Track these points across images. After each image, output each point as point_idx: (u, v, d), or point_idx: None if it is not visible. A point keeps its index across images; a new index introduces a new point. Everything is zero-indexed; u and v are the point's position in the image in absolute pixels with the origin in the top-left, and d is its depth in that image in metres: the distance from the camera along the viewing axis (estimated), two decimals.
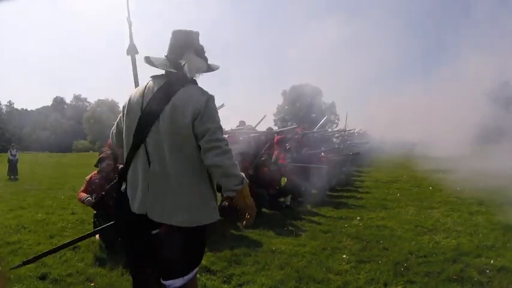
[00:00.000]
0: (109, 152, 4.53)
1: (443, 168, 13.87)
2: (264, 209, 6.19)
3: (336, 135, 13.18)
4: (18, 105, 69.66)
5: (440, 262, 3.74)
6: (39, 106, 70.43)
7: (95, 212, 4.47)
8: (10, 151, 14.60)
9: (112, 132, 2.27)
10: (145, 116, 1.92)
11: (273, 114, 63.02)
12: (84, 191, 4.40)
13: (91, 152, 42.02)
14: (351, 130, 13.53)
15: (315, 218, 5.75)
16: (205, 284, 3.33)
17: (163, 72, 2.04)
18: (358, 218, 5.78)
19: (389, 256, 3.94)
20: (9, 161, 14.05)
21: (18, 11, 75.60)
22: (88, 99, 67.81)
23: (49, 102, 71.63)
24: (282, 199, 6.75)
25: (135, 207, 1.95)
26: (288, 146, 7.45)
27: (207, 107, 1.90)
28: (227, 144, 1.92)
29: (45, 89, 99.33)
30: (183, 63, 1.93)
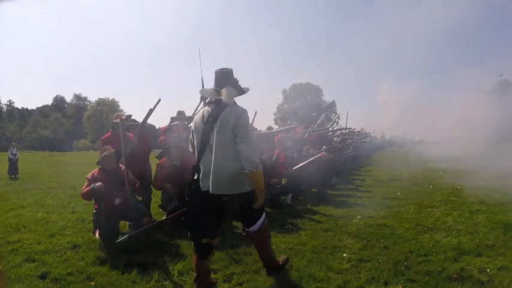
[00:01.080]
0: (112, 150, 4.53)
1: (443, 167, 13.89)
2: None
3: (337, 133, 13.17)
4: (18, 104, 69.66)
5: (441, 261, 3.73)
6: (39, 105, 70.38)
7: (95, 211, 4.47)
8: (10, 150, 14.60)
9: (190, 144, 3.33)
10: (207, 126, 2.99)
11: (273, 113, 62.93)
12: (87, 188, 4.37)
13: (91, 151, 42.06)
14: (351, 129, 13.49)
15: (316, 217, 5.75)
16: None
17: (213, 99, 3.10)
18: (358, 216, 5.77)
19: (389, 255, 3.93)
20: (10, 160, 14.05)
21: (18, 10, 75.56)
22: (88, 98, 67.79)
23: (49, 101, 71.66)
24: (282, 198, 6.75)
25: (206, 186, 2.94)
26: (288, 144, 7.45)
27: (240, 118, 2.95)
28: (251, 139, 2.94)
29: (45, 88, 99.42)
30: (222, 92, 2.99)
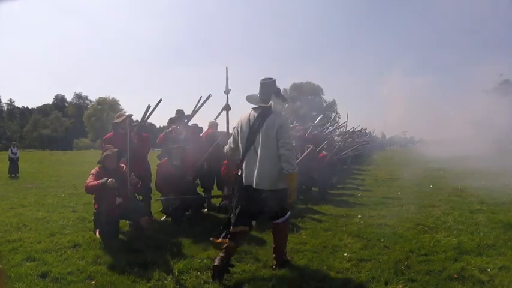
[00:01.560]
0: (114, 149, 4.52)
1: (444, 166, 13.89)
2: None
3: (337, 132, 13.16)
4: (19, 103, 69.68)
5: (441, 261, 3.72)
6: (40, 104, 70.39)
7: (95, 210, 4.47)
8: (11, 149, 14.61)
9: (229, 142, 3.77)
10: (253, 130, 3.38)
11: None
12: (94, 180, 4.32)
13: (92, 149, 42.07)
14: (354, 128, 13.47)
15: (316, 216, 5.74)
16: (206, 281, 3.33)
17: (257, 105, 3.50)
18: (359, 216, 5.77)
19: (390, 254, 3.93)
20: (10, 159, 14.07)
21: (19, 10, 75.52)
22: (89, 97, 67.78)
23: (50, 100, 71.67)
24: None
25: (249, 181, 3.38)
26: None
27: (283, 125, 3.37)
28: (291, 145, 3.44)
29: (46, 87, 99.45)
30: (270, 103, 3.40)
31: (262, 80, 3.54)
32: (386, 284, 3.26)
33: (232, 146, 3.73)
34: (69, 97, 70.77)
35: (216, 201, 6.49)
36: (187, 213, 5.39)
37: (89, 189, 4.32)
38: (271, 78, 3.50)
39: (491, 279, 3.29)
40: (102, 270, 3.56)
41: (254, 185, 3.34)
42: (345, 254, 3.98)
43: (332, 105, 63.35)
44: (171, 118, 6.31)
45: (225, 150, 3.99)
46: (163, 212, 5.54)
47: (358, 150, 15.63)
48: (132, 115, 5.53)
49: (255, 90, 3.58)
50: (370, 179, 11.14)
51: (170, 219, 5.36)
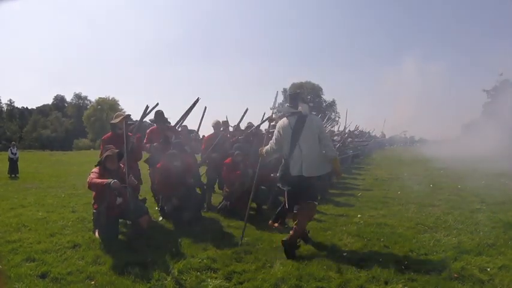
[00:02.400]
0: (115, 150, 4.52)
1: (444, 165, 13.89)
2: (264, 207, 6.18)
3: (336, 132, 13.15)
4: (18, 104, 69.62)
5: (441, 260, 3.72)
6: (39, 104, 70.35)
7: (94, 210, 4.46)
8: (11, 149, 14.58)
9: (272, 144, 4.42)
10: (296, 131, 4.13)
11: (273, 113, 62.75)
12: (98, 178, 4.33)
13: (92, 150, 42.06)
14: (346, 127, 13.45)
15: (316, 216, 5.68)
16: (206, 281, 3.33)
17: (288, 113, 4.33)
18: (358, 215, 5.77)
19: (390, 254, 3.93)
20: (10, 159, 14.05)
21: (19, 10, 75.55)
22: (88, 98, 67.72)
23: (49, 101, 71.60)
24: (282, 198, 6.72)
25: (297, 172, 4.10)
26: None
27: (321, 124, 4.55)
28: (329, 137, 4.54)
29: (45, 87, 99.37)
30: (300, 108, 4.23)
31: (290, 93, 4.82)
32: (386, 283, 3.26)
33: (275, 147, 4.39)
34: (68, 97, 70.65)
35: (215, 202, 6.49)
36: (187, 213, 5.38)
37: (93, 186, 4.32)
38: (297, 91, 4.93)
39: (491, 279, 3.29)
40: (102, 270, 3.56)
41: (305, 174, 4.07)
42: (345, 254, 3.98)
43: (332, 105, 63.30)
44: (151, 119, 6.44)
45: (264, 151, 4.56)
46: (161, 213, 5.53)
47: (357, 150, 15.64)
48: (130, 115, 5.54)
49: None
50: (370, 179, 11.13)
51: (168, 219, 5.35)
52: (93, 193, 4.53)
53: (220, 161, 6.31)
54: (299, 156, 4.11)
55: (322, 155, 4.18)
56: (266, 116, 6.81)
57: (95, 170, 4.47)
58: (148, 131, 6.24)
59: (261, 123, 7.05)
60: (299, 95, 4.47)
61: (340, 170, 4.60)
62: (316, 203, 4.31)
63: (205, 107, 6.88)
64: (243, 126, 7.67)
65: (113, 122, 5.34)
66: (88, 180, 4.36)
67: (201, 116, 6.99)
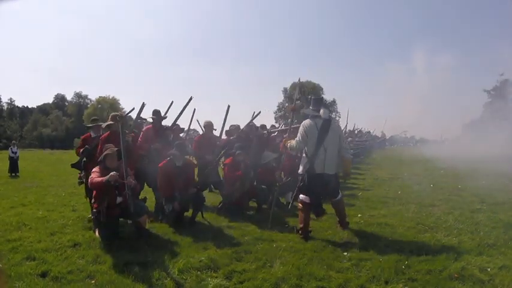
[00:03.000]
0: (114, 148, 4.51)
1: (445, 166, 13.87)
2: (264, 206, 6.18)
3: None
4: (19, 103, 69.61)
5: (442, 260, 3.72)
6: (40, 103, 70.34)
7: (94, 210, 4.45)
8: (11, 148, 14.59)
9: (299, 141, 4.72)
10: (322, 133, 4.59)
11: (274, 112, 62.92)
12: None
13: None
14: (355, 130, 13.49)
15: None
16: (206, 280, 3.33)
17: (309, 115, 4.78)
18: (359, 215, 5.77)
19: (390, 254, 3.93)
20: (10, 158, 14.06)
21: (19, 9, 75.53)
22: (89, 96, 67.70)
23: (50, 100, 71.62)
24: (282, 198, 6.72)
25: (320, 170, 4.60)
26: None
27: (341, 129, 5.26)
28: (345, 142, 5.34)
29: (46, 86, 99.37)
30: (321, 112, 4.66)
31: (314, 97, 5.07)
32: (386, 283, 3.26)
33: (300, 144, 4.73)
34: (69, 96, 70.66)
35: (215, 202, 6.49)
36: (187, 212, 5.38)
37: (94, 185, 4.31)
38: (321, 96, 5.50)
39: (491, 279, 3.29)
40: (102, 269, 3.56)
41: (327, 171, 4.61)
42: (345, 253, 3.98)
43: (332, 105, 63.17)
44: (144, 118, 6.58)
45: (288, 146, 4.91)
46: (159, 213, 5.50)
47: (357, 149, 15.63)
48: (122, 116, 5.57)
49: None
50: (370, 178, 11.12)
51: (166, 219, 5.33)
52: (94, 192, 4.52)
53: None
54: (323, 155, 4.58)
55: (339, 155, 4.73)
56: (255, 114, 7.14)
57: (96, 169, 4.47)
58: (144, 129, 6.28)
59: (250, 121, 7.08)
60: (322, 99, 5.01)
61: (350, 171, 5.18)
62: (339, 197, 4.88)
63: (229, 106, 6.85)
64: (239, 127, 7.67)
65: (109, 122, 5.36)
66: (89, 180, 4.36)
67: (224, 116, 6.84)
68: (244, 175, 5.85)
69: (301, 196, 4.77)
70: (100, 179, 4.24)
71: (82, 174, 5.58)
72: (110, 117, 5.47)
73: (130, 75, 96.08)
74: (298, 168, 4.93)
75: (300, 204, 4.74)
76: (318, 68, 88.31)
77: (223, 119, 6.89)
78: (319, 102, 4.86)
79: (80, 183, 5.70)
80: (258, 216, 5.80)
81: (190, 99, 6.35)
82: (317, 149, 4.58)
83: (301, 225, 4.66)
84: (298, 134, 4.76)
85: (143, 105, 5.58)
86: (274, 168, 6.35)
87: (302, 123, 4.79)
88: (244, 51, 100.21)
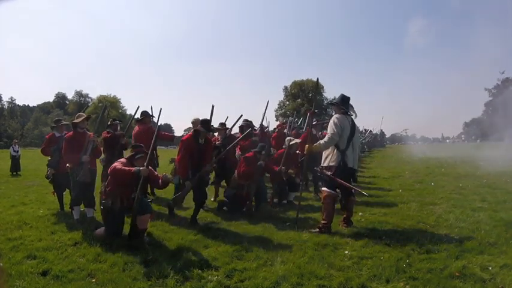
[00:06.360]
0: (144, 151, 4.57)
1: (445, 164, 13.84)
2: (264, 204, 6.17)
3: None
4: (20, 101, 69.68)
5: (443, 259, 3.71)
6: (41, 102, 70.40)
7: (103, 201, 4.40)
8: (12, 147, 14.61)
9: (334, 137, 4.77)
10: (353, 130, 4.87)
11: (274, 110, 62.91)
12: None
13: None
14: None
15: (317, 214, 5.71)
16: (207, 278, 3.32)
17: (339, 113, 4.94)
18: (360, 213, 5.76)
19: (391, 252, 3.92)
20: (12, 157, 14.08)
21: (20, 8, 75.46)
22: (90, 95, 67.75)
23: (51, 98, 71.68)
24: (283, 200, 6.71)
25: (353, 164, 4.90)
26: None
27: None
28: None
29: (46, 85, 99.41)
30: (351, 112, 4.99)
31: (343, 96, 5.02)
32: (387, 281, 3.25)
33: (336, 138, 4.77)
34: (70, 95, 70.75)
35: (214, 203, 6.49)
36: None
37: (117, 173, 4.23)
38: (348, 95, 5.00)
39: (492, 278, 3.28)
40: (103, 268, 3.56)
41: (354, 167, 4.95)
42: (346, 252, 3.97)
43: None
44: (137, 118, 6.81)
45: (326, 139, 4.84)
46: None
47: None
48: (90, 116, 5.76)
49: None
50: (371, 177, 11.11)
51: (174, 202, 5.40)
52: (108, 182, 4.46)
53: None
54: (351, 151, 4.86)
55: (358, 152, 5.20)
56: (242, 119, 7.08)
57: (122, 160, 4.54)
58: (134, 132, 6.34)
59: (234, 124, 7.10)
60: (349, 99, 4.98)
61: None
62: (353, 194, 5.10)
63: (268, 101, 8.32)
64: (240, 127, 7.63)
65: (75, 121, 5.43)
66: (111, 167, 4.30)
67: (264, 109, 8.15)
68: (257, 172, 5.89)
69: (326, 189, 4.85)
70: (127, 168, 4.27)
71: (49, 172, 6.13)
72: (76, 116, 5.61)
73: (132, 73, 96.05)
74: (304, 164, 5.22)
75: (324, 198, 4.85)
76: (319, 67, 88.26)
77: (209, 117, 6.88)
78: (348, 101, 4.97)
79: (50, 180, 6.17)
80: (258, 214, 5.79)
81: (213, 107, 6.06)
82: (348, 145, 4.79)
83: (325, 222, 4.75)
84: (332, 129, 4.78)
85: (138, 108, 5.72)
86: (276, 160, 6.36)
87: (336, 118, 4.82)
88: (246, 52, 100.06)
